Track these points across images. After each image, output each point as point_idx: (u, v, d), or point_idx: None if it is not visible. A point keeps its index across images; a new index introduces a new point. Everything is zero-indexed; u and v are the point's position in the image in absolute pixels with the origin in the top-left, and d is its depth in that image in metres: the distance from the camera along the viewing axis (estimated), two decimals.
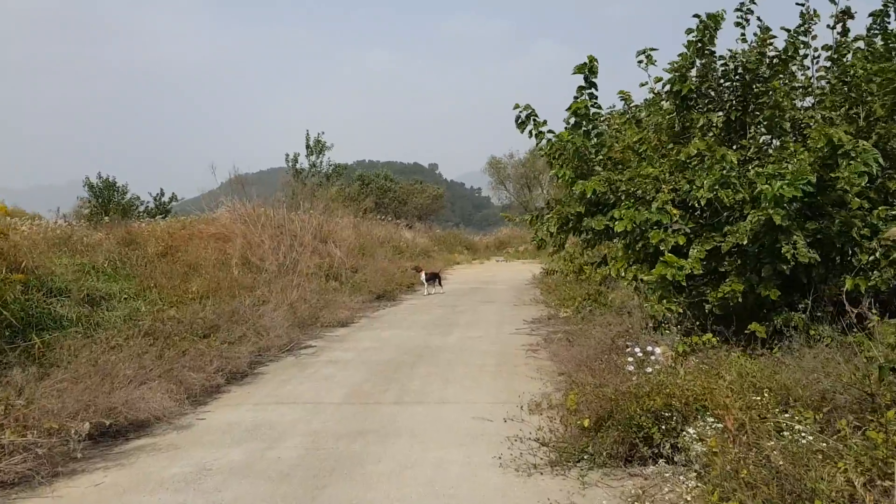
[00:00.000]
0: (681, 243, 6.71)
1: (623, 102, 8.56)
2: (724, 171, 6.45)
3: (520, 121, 8.52)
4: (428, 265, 23.07)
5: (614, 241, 8.58)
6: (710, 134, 7.34)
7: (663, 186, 7.07)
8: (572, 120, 7.76)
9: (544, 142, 8.37)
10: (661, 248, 6.64)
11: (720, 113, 7.21)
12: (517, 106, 8.45)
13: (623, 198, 7.53)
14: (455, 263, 30.45)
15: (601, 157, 7.91)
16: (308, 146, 34.78)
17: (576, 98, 8.04)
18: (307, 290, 12.63)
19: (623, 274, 7.32)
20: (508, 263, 32.68)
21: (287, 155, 34.16)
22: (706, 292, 6.74)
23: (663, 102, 7.95)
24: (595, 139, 7.94)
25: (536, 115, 8.53)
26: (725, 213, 6.73)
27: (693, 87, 7.12)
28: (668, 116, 7.62)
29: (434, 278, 17.48)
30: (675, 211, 6.87)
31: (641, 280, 7.09)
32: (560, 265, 14.25)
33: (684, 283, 6.44)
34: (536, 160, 54.97)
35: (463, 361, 8.29)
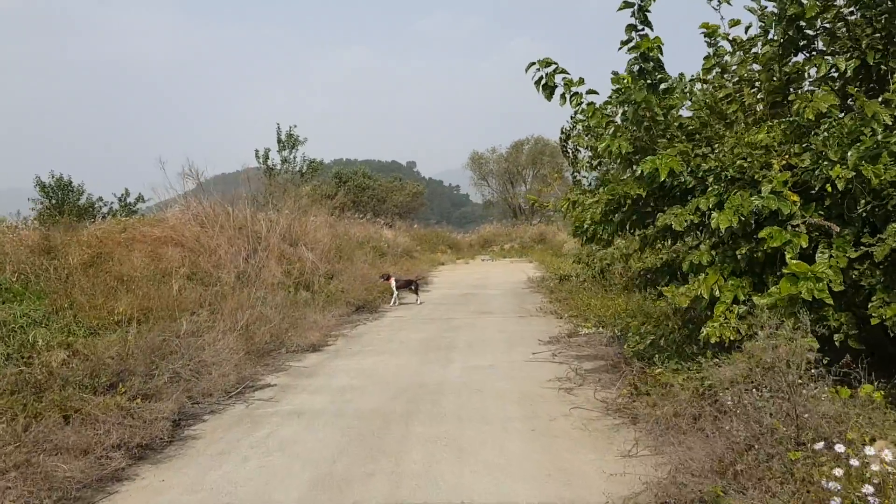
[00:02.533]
0: (804, 245, 4.54)
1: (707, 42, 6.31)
2: (878, 139, 4.26)
3: (542, 83, 6.29)
4: (409, 268, 20.76)
5: (684, 241, 6.40)
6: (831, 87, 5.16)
7: (773, 162, 4.86)
8: (636, 67, 5.52)
9: (584, 105, 6.15)
10: (786, 254, 4.46)
11: (849, 57, 5.01)
12: (532, 64, 6.23)
13: (711, 180, 5.31)
14: (439, 264, 28.20)
15: (670, 123, 5.72)
16: (280, 140, 32.25)
17: (624, 43, 5.84)
18: (271, 305, 10.30)
19: (720, 294, 5.09)
20: (496, 263, 30.51)
21: (257, 151, 31.58)
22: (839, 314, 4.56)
23: (754, 49, 5.76)
24: (664, 97, 5.74)
25: (566, 72, 6.32)
26: (866, 201, 4.53)
27: (818, 9, 4.90)
28: (766, 61, 5.42)
29: (408, 286, 14.93)
30: (793, 197, 4.68)
31: (744, 302, 4.88)
32: (579, 269, 12.01)
33: (830, 301, 4.26)
34: (519, 155, 53.10)
35: (476, 412, 6.02)
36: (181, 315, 8.31)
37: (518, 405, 6.18)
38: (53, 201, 28.37)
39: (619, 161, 6.31)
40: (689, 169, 5.58)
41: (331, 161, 71.86)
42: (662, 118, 5.78)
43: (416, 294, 14.58)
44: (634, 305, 9.95)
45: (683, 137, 5.88)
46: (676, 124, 5.94)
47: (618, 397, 5.93)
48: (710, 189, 5.39)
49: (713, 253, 5.43)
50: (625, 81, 5.77)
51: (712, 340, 4.97)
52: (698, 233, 6.18)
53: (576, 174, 13.10)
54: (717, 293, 5.06)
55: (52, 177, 28.69)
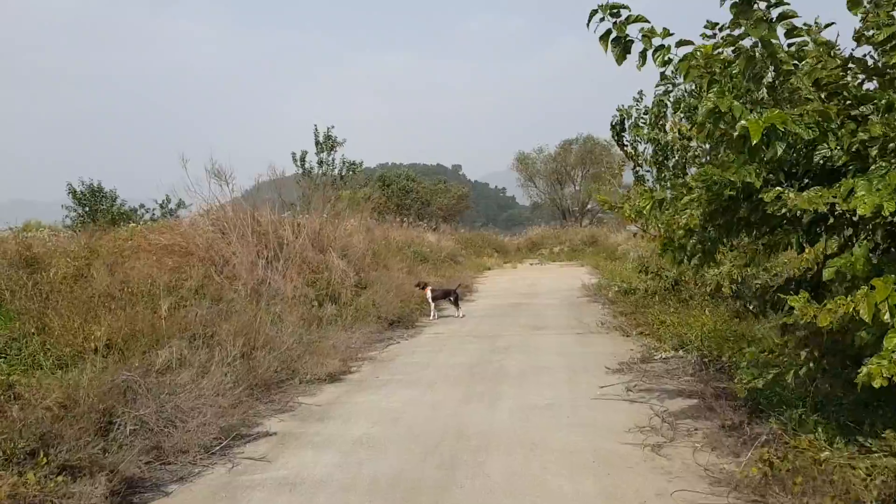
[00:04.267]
0: None
1: None
2: None
3: (611, 37, 4.59)
4: (451, 275, 19.14)
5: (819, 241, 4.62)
6: None
7: None
8: None
9: (673, 57, 4.44)
10: None
11: None
12: (595, 12, 4.53)
13: (874, 154, 3.54)
14: (485, 269, 26.49)
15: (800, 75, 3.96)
16: (317, 142, 30.97)
17: None
18: (288, 323, 8.79)
19: (893, 318, 3.32)
20: (545, 267, 28.64)
21: (293, 153, 30.39)
22: None
23: None
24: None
25: (644, 19, 4.60)
26: None
27: None
28: None
29: (447, 297, 13.06)
30: None
31: None
32: (647, 281, 10.19)
33: None
34: (568, 154, 50.96)
35: (533, 486, 4.34)
36: (169, 341, 6.85)
37: (592, 476, 4.45)
38: (86, 208, 27.77)
39: (721, 137, 4.56)
40: (835, 139, 3.84)
41: (375, 165, 71.00)
42: (789, 64, 4.04)
43: (457, 306, 12.87)
44: (723, 323, 8.13)
45: (821, 96, 4.13)
46: (809, 80, 4.18)
47: (740, 470, 4.15)
48: (873, 169, 3.64)
49: (872, 257, 3.69)
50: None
51: (876, 383, 3.22)
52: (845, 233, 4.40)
53: (637, 169, 11.30)
54: (888, 316, 3.31)
55: (83, 184, 28.09)
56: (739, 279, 8.60)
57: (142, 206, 29.26)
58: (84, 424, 4.53)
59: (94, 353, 6.45)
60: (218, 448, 5.22)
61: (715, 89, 4.15)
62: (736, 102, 3.96)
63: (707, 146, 6.14)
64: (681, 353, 8.08)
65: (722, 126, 4.00)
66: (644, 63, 4.46)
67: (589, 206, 50.79)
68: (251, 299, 10.18)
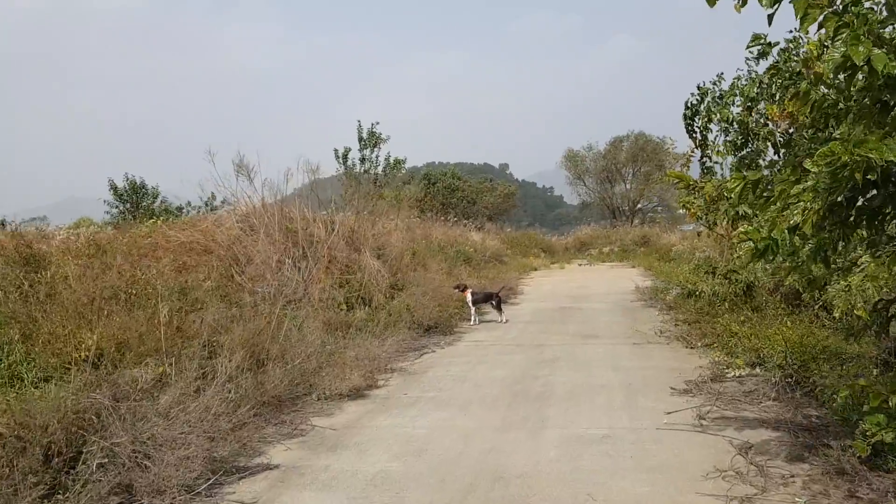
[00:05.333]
0: None
1: None
2: None
3: None
4: (495, 276, 18.09)
5: None
6: None
7: None
8: None
9: None
10: None
11: None
12: None
13: None
14: (532, 269, 25.35)
15: None
16: (360, 138, 30.25)
17: None
18: (310, 329, 7.93)
19: None
20: (594, 268, 27.36)
21: (336, 150, 29.72)
22: None
23: None
24: None
25: None
26: None
27: None
28: None
29: (489, 301, 11.93)
30: None
31: None
32: (714, 284, 8.98)
33: None
34: (618, 152, 49.18)
35: None
36: (170, 350, 6.02)
37: None
38: (127, 204, 27.63)
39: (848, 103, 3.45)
40: None
41: (423, 164, 70.23)
42: None
43: (500, 311, 11.81)
44: (809, 335, 6.95)
45: None
46: None
47: None
48: None
49: None
50: None
51: None
52: None
53: (704, 159, 10.06)
54: None
55: (126, 180, 27.91)
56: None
57: (188, 203, 29.01)
58: (29, 461, 3.68)
59: (84, 363, 5.69)
60: (205, 486, 4.33)
61: (844, 35, 3.04)
62: (877, 51, 2.86)
63: (805, 129, 4.99)
64: (758, 370, 6.93)
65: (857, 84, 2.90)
66: (745, 3, 3.37)
67: (640, 206, 49.07)
68: (274, 302, 9.36)
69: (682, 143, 9.66)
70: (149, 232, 10.43)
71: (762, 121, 7.13)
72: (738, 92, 6.32)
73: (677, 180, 5.78)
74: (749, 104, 5.55)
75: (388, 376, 7.64)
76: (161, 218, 18.77)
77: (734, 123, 5.68)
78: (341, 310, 9.58)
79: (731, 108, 5.82)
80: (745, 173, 3.68)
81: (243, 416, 5.43)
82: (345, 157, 29.75)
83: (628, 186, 49.37)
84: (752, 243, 3.29)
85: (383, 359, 8.10)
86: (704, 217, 9.11)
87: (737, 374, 6.86)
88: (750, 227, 3.45)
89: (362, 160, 29.87)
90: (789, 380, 6.17)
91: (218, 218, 11.97)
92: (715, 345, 8.08)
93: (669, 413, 5.73)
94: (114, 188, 27.30)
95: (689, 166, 10.00)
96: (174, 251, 9.49)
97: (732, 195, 3.70)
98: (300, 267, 10.56)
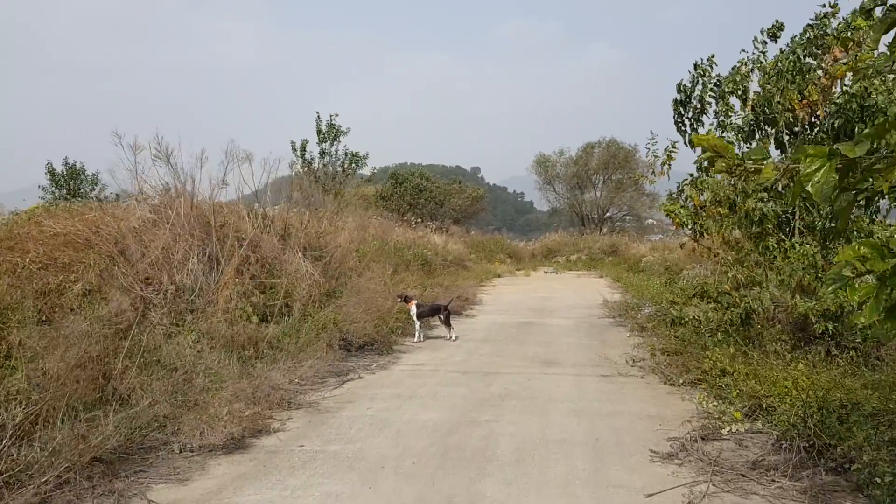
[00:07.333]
0: None
1: None
2: None
3: None
4: (448, 283, 16.48)
5: None
6: None
7: None
8: None
9: None
10: None
11: None
12: None
13: None
14: (495, 276, 23.83)
15: None
16: (319, 131, 28.38)
17: None
18: (208, 350, 6.19)
19: None
20: (560, 276, 26.00)
21: (293, 143, 27.81)
22: None
23: None
24: None
25: None
26: None
27: None
28: None
29: (436, 314, 10.30)
30: None
31: None
32: (707, 310, 7.41)
33: None
34: (590, 158, 47.93)
35: None
36: None
37: None
38: (64, 191, 25.48)
39: None
40: None
41: (394, 164, 68.40)
42: None
43: (449, 326, 10.15)
44: (828, 380, 5.43)
45: None
46: None
47: None
48: None
49: None
50: None
51: None
52: None
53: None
54: None
55: (66, 164, 25.76)
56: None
57: (124, 191, 26.90)
58: None
59: None
60: None
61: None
62: None
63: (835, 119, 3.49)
64: (760, 424, 5.40)
65: None
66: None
67: (609, 214, 48.01)
68: (168, 311, 7.61)
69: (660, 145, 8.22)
70: (26, 220, 8.58)
71: (779, 107, 5.66)
72: (757, 67, 4.75)
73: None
74: (783, 78, 4.00)
75: (290, 415, 5.93)
76: (78, 205, 16.74)
77: (752, 104, 4.11)
78: (251, 322, 7.84)
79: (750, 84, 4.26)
80: (836, 147, 2.03)
81: (39, 488, 3.71)
82: (302, 149, 27.89)
83: (598, 194, 48.27)
84: (857, 267, 1.72)
85: (290, 390, 6.41)
86: (691, 226, 7.54)
87: (733, 430, 5.31)
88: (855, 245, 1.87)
89: (322, 154, 28.03)
90: (806, 445, 4.64)
91: (126, 208, 10.13)
92: (702, 384, 6.54)
93: (650, 496, 4.13)
94: (51, 172, 25.13)
95: (665, 173, 8.47)
96: (46, 244, 7.67)
97: (811, 182, 2.06)
98: (213, 267, 8.79)
